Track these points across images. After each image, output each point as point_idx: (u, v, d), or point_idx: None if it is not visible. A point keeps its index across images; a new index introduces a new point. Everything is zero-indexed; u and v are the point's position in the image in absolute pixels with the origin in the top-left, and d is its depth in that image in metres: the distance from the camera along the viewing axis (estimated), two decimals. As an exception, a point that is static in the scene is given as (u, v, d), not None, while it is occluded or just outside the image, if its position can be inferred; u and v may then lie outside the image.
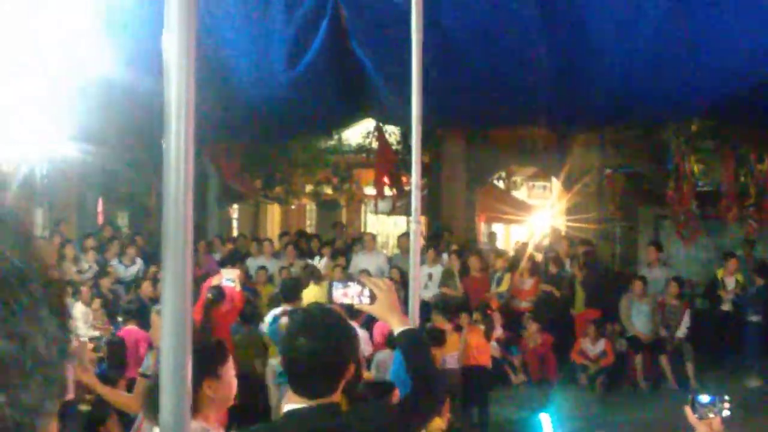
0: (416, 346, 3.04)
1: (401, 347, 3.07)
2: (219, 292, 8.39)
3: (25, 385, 0.65)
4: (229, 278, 8.59)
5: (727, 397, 3.10)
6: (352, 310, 8.95)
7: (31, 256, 0.69)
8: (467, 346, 10.04)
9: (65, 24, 7.67)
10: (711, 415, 3.06)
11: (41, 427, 0.68)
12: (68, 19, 7.57)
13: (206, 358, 3.47)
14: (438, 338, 8.69)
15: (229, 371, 3.51)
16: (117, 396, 5.00)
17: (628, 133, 16.48)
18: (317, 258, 14.14)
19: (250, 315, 9.45)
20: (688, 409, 3.08)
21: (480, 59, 8.75)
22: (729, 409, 3.08)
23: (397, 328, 3.05)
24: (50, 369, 0.67)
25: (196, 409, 3.33)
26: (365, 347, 8.89)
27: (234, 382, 3.55)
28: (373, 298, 3.09)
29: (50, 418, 0.69)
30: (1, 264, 0.66)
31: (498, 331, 11.88)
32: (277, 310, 9.26)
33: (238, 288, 8.77)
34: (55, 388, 0.69)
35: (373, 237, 15.37)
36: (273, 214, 26.34)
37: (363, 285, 3.13)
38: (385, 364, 8.66)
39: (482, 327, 10.65)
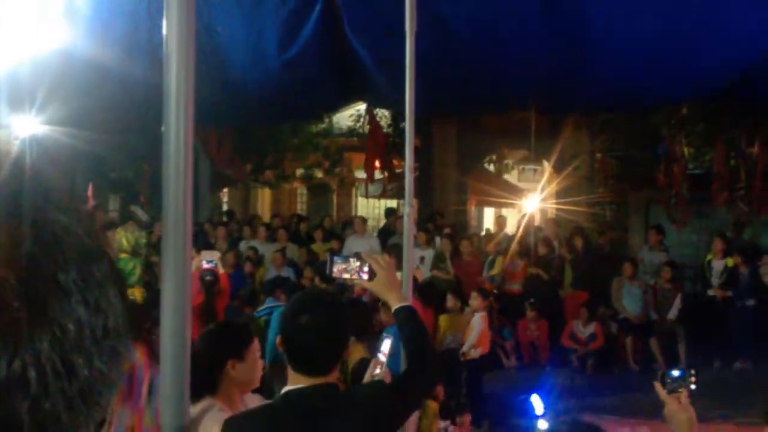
0: (412, 324, 3.05)
1: (398, 324, 3.07)
2: (214, 274, 8.39)
3: (97, 351, 0.71)
4: (209, 260, 8.52)
5: (693, 371, 3.13)
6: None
7: (99, 241, 0.76)
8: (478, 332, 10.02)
9: (56, 5, 7.62)
10: (680, 389, 3.10)
11: (108, 398, 0.74)
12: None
13: (232, 339, 3.54)
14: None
15: (254, 353, 3.52)
16: None
17: (619, 118, 16.50)
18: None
19: (249, 297, 9.45)
20: (658, 385, 3.11)
21: (475, 46, 8.75)
22: (695, 383, 3.11)
23: (395, 305, 3.07)
24: (116, 341, 0.73)
25: (216, 388, 3.36)
26: None
27: (259, 365, 3.56)
28: (372, 274, 3.08)
29: (115, 388, 0.74)
30: (78, 241, 0.73)
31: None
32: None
33: (220, 270, 8.74)
34: (119, 361, 0.75)
35: (364, 220, 15.37)
36: (263, 198, 26.32)
37: (362, 261, 3.11)
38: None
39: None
